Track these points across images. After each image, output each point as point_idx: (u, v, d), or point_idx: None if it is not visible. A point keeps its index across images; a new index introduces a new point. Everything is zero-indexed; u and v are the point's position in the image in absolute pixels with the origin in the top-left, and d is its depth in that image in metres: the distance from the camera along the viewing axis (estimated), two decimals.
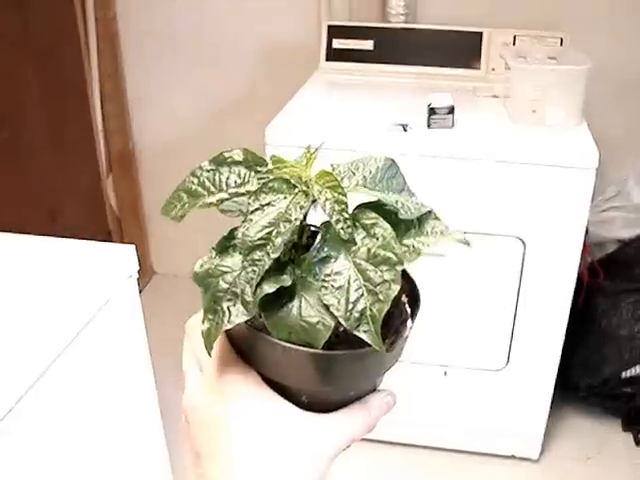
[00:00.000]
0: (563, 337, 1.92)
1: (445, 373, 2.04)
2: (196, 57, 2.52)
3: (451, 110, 1.78)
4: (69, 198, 2.35)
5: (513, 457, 2.17)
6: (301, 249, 0.49)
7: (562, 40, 2.05)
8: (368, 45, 2.17)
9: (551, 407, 2.05)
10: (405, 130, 1.77)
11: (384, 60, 2.17)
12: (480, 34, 2.13)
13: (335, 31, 2.20)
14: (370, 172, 0.51)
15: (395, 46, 2.17)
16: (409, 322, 0.50)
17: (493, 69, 2.13)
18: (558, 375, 1.99)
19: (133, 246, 1.34)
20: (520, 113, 1.83)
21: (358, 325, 0.44)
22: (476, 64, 2.14)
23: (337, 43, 2.19)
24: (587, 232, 1.86)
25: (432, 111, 1.78)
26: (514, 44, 2.11)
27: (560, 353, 1.95)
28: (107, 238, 2.59)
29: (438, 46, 2.16)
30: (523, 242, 1.80)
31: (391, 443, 2.20)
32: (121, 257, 1.31)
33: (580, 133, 1.78)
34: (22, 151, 2.08)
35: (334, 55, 2.20)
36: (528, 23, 2.13)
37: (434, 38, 2.16)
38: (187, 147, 2.54)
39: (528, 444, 2.15)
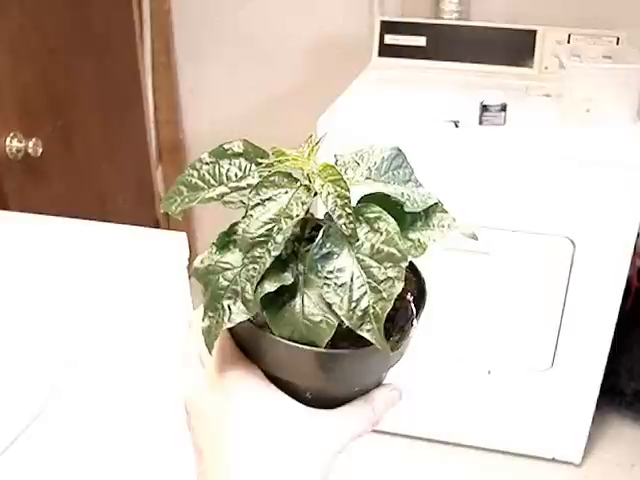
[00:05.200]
0: (610, 341, 1.89)
1: (489, 372, 2.02)
2: (248, 50, 2.54)
3: (503, 108, 1.77)
4: (119, 186, 2.39)
5: (554, 460, 2.15)
6: (304, 242, 0.47)
7: (618, 39, 2.02)
8: (421, 41, 2.17)
9: (595, 411, 2.02)
10: (457, 126, 1.77)
11: (436, 57, 2.17)
12: (534, 32, 2.11)
13: (388, 27, 2.20)
14: (375, 163, 0.49)
15: (448, 43, 2.16)
16: (415, 322, 0.49)
17: (546, 68, 2.11)
18: (604, 379, 1.96)
19: (184, 233, 1.36)
20: (573, 112, 1.81)
21: (361, 324, 0.43)
22: (529, 62, 2.12)
23: (389, 39, 2.19)
24: (638, 235, 1.83)
25: (484, 108, 1.77)
26: (568, 42, 2.08)
27: (606, 357, 1.92)
28: (155, 227, 2.62)
29: (491, 44, 2.15)
30: (573, 242, 1.78)
31: (431, 440, 2.20)
32: (173, 244, 1.33)
33: (635, 133, 1.76)
34: (76, 139, 2.12)
35: (386, 51, 2.20)
36: (583, 21, 2.10)
37: (487, 36, 2.15)
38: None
39: (570, 448, 2.12)
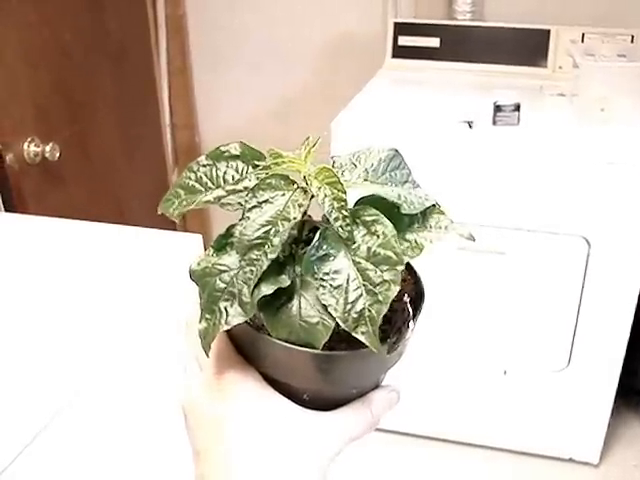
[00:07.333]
0: (626, 340, 1.88)
1: (505, 372, 2.02)
2: (263, 53, 2.55)
3: (517, 107, 1.77)
4: (136, 190, 2.41)
5: (572, 460, 2.14)
6: (302, 244, 0.47)
7: (633, 37, 2.01)
8: (434, 42, 2.17)
9: (613, 412, 2.01)
10: (471, 127, 1.77)
11: (450, 58, 2.17)
12: (548, 32, 2.11)
13: (401, 28, 2.20)
14: (372, 164, 0.49)
15: (461, 44, 2.16)
16: (411, 323, 0.48)
17: (560, 67, 2.10)
18: (621, 379, 1.95)
19: (200, 235, 1.37)
20: (588, 111, 1.80)
21: (356, 326, 0.43)
22: (543, 62, 2.11)
23: (403, 40, 2.19)
24: None
25: (498, 108, 1.77)
26: (582, 41, 2.08)
27: (623, 356, 1.91)
28: (172, 230, 2.63)
29: (505, 44, 2.14)
30: (588, 242, 1.77)
31: (447, 441, 2.20)
32: (188, 246, 1.34)
33: None
34: (92, 143, 2.14)
35: (400, 52, 2.21)
36: (597, 20, 2.10)
37: (501, 36, 2.15)
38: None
39: (588, 448, 2.11)
